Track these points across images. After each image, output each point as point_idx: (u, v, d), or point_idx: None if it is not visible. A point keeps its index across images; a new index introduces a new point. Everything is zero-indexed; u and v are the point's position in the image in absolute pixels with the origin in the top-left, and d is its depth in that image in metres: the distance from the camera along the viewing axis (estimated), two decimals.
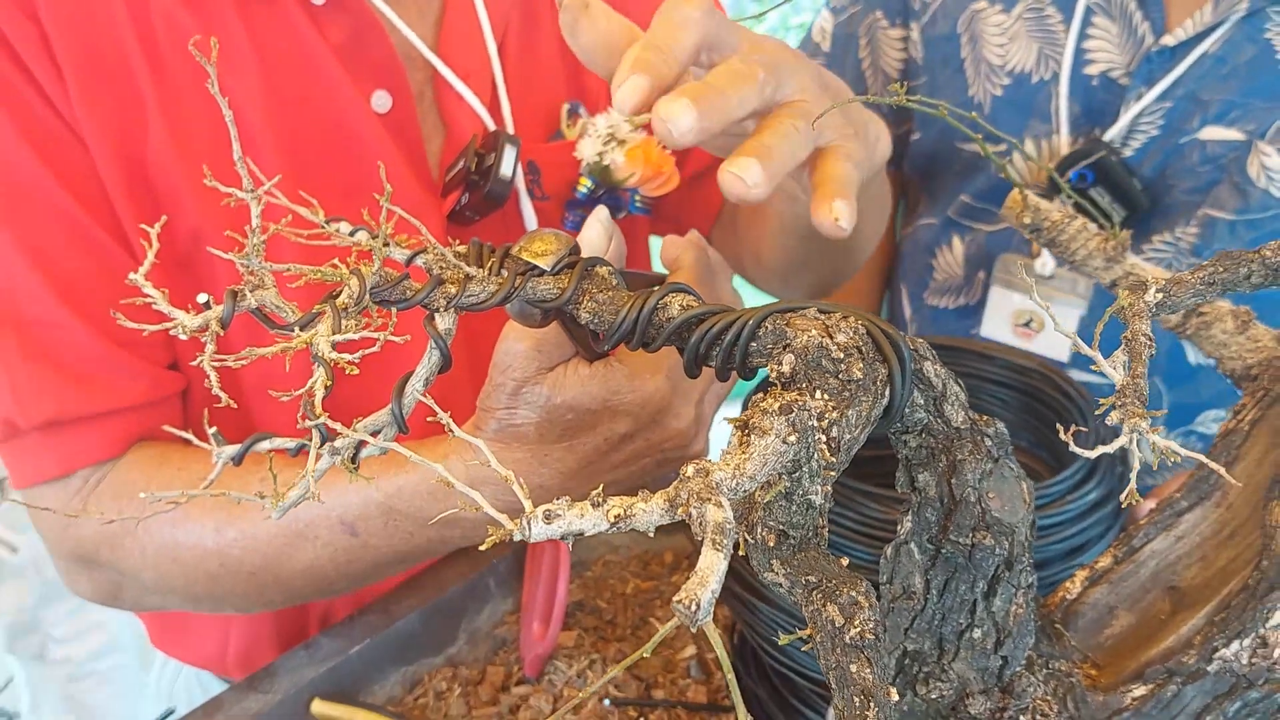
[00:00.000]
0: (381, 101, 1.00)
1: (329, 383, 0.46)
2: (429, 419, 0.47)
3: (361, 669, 0.98)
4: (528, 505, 0.41)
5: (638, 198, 1.11)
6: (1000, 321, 1.33)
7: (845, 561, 0.48)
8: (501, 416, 0.73)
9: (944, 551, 0.56)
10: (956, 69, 1.34)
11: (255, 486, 0.90)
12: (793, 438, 0.43)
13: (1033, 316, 1.29)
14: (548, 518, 0.40)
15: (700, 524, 0.38)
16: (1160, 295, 0.45)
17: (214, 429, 0.48)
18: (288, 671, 0.96)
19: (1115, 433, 0.98)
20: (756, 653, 0.93)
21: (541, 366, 0.71)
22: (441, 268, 0.56)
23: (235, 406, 0.47)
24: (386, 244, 0.56)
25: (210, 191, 0.90)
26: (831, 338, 0.51)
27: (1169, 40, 1.19)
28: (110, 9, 0.90)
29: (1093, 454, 0.40)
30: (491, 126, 1.05)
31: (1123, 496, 0.40)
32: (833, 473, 0.47)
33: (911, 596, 0.57)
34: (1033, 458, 1.09)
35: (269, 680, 0.95)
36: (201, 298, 0.49)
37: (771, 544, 0.47)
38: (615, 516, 0.40)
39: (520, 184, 1.05)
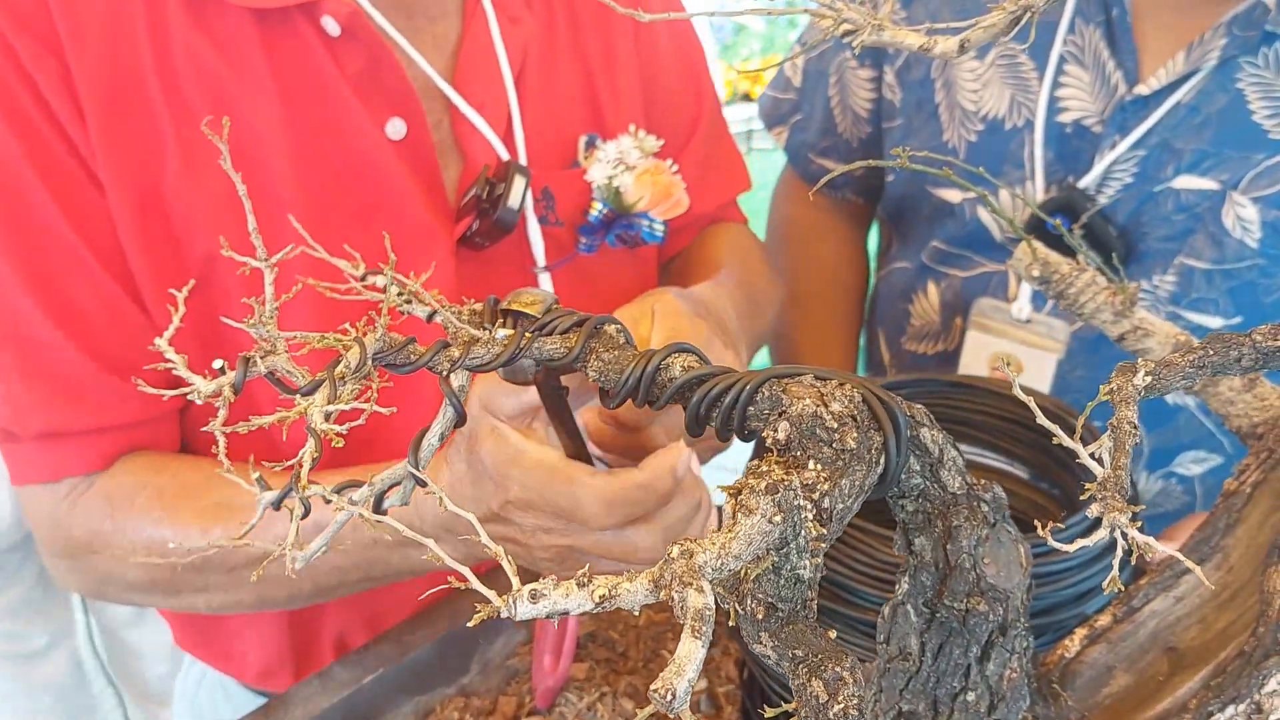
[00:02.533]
0: (396, 128, 0.99)
1: (317, 455, 0.46)
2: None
3: (375, 699, 0.98)
4: (515, 583, 0.41)
5: (652, 224, 1.11)
6: (978, 366, 1.30)
7: (833, 634, 0.48)
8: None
9: (939, 615, 0.56)
10: (931, 114, 1.31)
11: (245, 494, 0.89)
12: (778, 518, 0.43)
13: (1010, 360, 1.28)
14: (533, 597, 0.40)
15: (681, 609, 0.39)
16: (1149, 379, 0.44)
17: (258, 474, 0.49)
18: (301, 701, 0.96)
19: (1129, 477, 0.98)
20: (765, 691, 0.93)
21: (478, 418, 0.74)
22: (451, 327, 0.57)
23: (229, 466, 0.48)
24: (409, 301, 0.57)
25: (225, 219, 0.92)
26: (826, 406, 0.50)
27: (1142, 89, 1.17)
28: (134, 44, 0.89)
29: (1084, 544, 0.40)
30: (505, 156, 1.04)
31: (1104, 584, 0.40)
32: (823, 544, 0.47)
33: (907, 658, 0.57)
34: (1042, 494, 1.08)
35: (283, 710, 0.95)
36: (217, 364, 0.50)
37: (760, 616, 0.46)
38: (600, 597, 0.40)
39: (530, 211, 1.04)
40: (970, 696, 0.56)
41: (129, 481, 0.94)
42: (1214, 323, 1.18)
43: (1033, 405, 0.46)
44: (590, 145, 1.11)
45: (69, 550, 0.96)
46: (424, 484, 0.53)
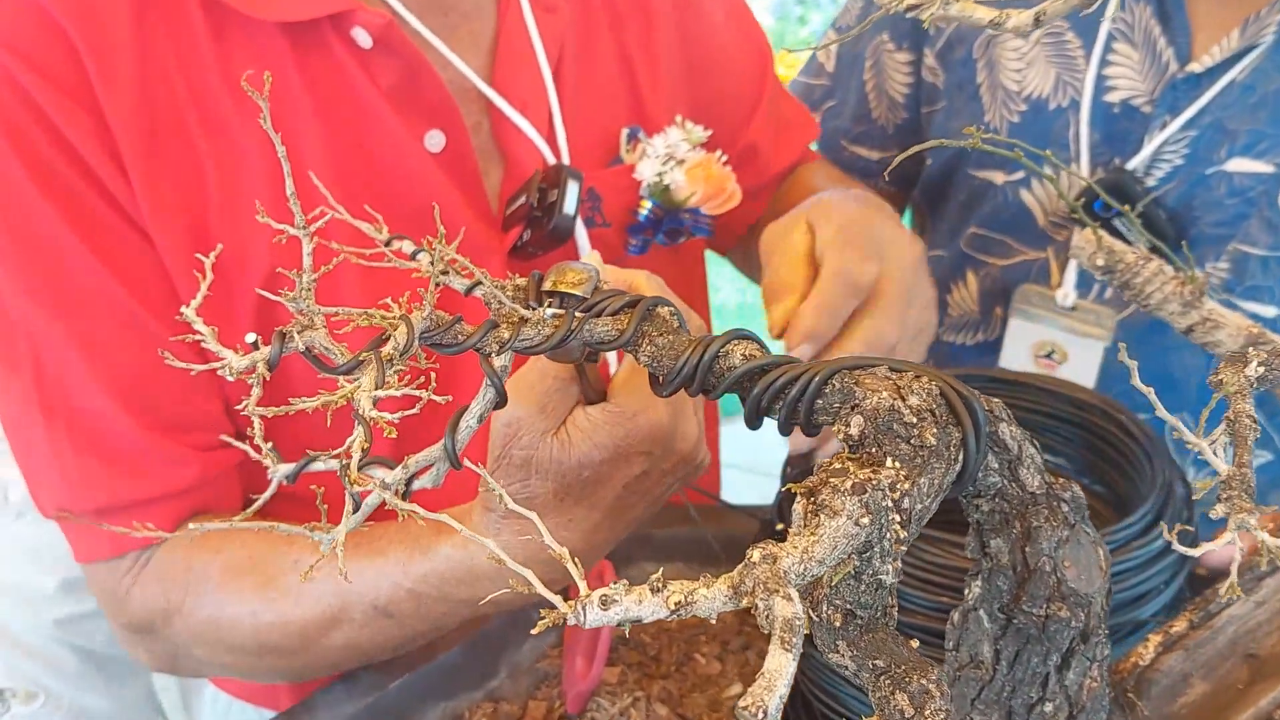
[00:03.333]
0: (435, 141, 0.96)
1: (367, 444, 0.43)
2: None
3: (401, 704, 0.94)
4: (583, 587, 0.38)
5: (699, 218, 1.08)
6: (1020, 355, 1.26)
7: (915, 644, 0.45)
8: (515, 491, 0.69)
9: (1015, 622, 0.52)
10: (972, 95, 1.28)
11: (292, 557, 0.88)
12: (865, 520, 0.40)
13: (1054, 348, 1.24)
14: (604, 603, 0.37)
15: (767, 618, 0.36)
16: (1262, 369, 0.41)
17: (270, 444, 0.46)
18: (326, 707, 0.93)
19: (1181, 474, 0.94)
20: (807, 698, 0.90)
21: (548, 429, 0.67)
22: (495, 304, 0.54)
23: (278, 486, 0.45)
24: (445, 271, 0.53)
25: (271, 246, 0.89)
26: (904, 400, 0.47)
27: (1195, 67, 1.13)
28: (167, 76, 0.87)
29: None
30: (549, 157, 1.01)
31: (1222, 590, 0.37)
32: (903, 547, 0.44)
33: (979, 666, 0.54)
34: (1093, 496, 1.05)
35: (308, 715, 0.92)
36: (250, 338, 0.48)
37: (838, 624, 0.43)
38: (676, 603, 0.37)
39: (578, 215, 1.01)
40: (1048, 707, 0.53)
41: (179, 558, 0.92)
42: (1269, 311, 1.15)
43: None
44: (633, 138, 1.07)
45: (135, 625, 0.94)
46: (458, 465, 0.50)
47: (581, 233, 1.01)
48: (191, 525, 0.89)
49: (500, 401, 0.53)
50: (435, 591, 0.82)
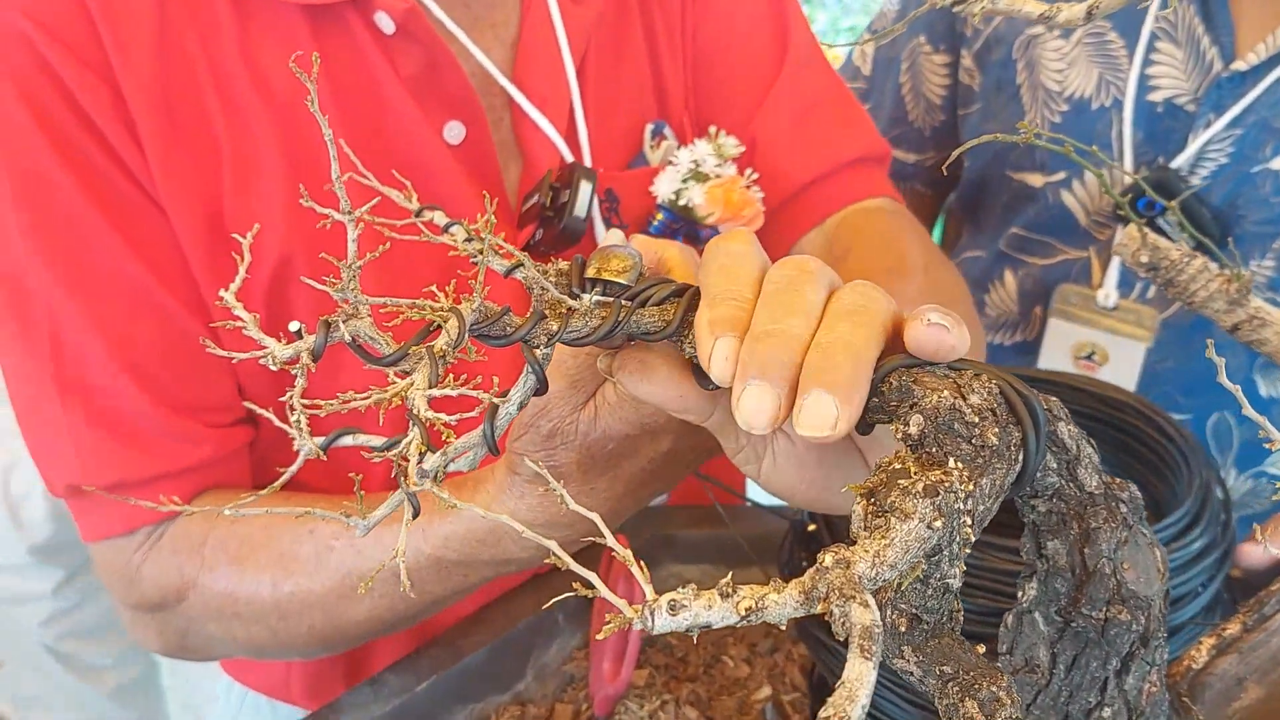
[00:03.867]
0: (455, 133, 0.95)
1: (424, 448, 0.42)
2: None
3: (427, 706, 0.93)
4: (649, 591, 0.37)
5: (715, 232, 1.05)
6: (1060, 355, 1.26)
7: (982, 649, 0.44)
8: (540, 460, 0.68)
9: (1074, 625, 0.52)
10: (1012, 95, 1.27)
11: (307, 527, 0.87)
12: (938, 523, 0.39)
13: (1094, 349, 1.23)
14: (673, 609, 0.36)
15: (844, 625, 0.34)
16: None
17: (298, 416, 0.45)
18: (353, 708, 0.92)
19: (1218, 476, 0.93)
20: (829, 683, 0.89)
21: (577, 404, 0.66)
22: (538, 289, 0.52)
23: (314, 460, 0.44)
24: (480, 252, 0.52)
25: (294, 222, 0.88)
26: (965, 399, 0.46)
27: (1240, 65, 1.13)
28: (186, 53, 0.86)
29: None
30: (567, 155, 0.99)
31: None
32: (969, 549, 0.43)
33: (1035, 670, 0.53)
34: None
35: (335, 717, 0.92)
36: (293, 325, 0.46)
37: (903, 629, 0.42)
38: (746, 609, 0.36)
39: (596, 214, 0.99)
40: (1106, 712, 0.52)
41: (196, 530, 0.91)
42: None
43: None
44: (657, 134, 1.05)
45: (146, 604, 0.93)
46: (496, 452, 0.49)
47: (601, 233, 1.00)
48: (218, 502, 0.89)
49: (541, 389, 0.52)
50: (456, 555, 0.81)
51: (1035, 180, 1.26)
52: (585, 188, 0.93)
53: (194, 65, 0.86)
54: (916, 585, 0.41)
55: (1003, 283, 1.33)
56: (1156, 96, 1.18)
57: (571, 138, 1.01)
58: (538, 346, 0.51)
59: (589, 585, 0.38)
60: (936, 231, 1.54)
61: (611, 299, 0.52)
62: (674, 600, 0.35)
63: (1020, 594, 0.53)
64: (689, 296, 0.54)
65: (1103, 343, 1.22)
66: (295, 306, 0.91)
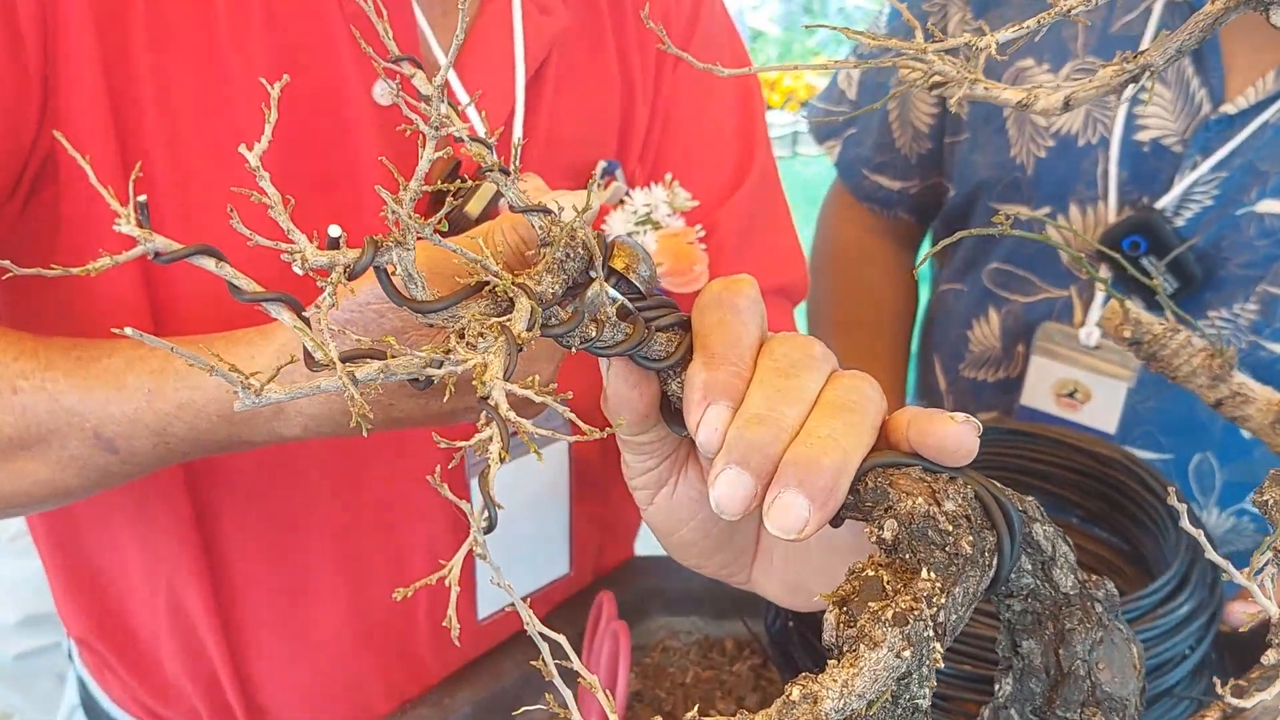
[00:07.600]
0: (383, 93, 0.89)
1: (505, 454, 0.37)
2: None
3: None
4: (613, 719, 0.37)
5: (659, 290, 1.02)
6: (1042, 393, 1.26)
7: None
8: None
9: None
10: (998, 128, 1.28)
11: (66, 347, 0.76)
12: (907, 652, 0.39)
13: (1076, 387, 1.23)
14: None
15: None
16: None
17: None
18: None
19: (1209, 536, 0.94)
20: (797, 639, 0.89)
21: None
22: (562, 255, 0.48)
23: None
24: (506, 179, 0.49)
25: (191, 159, 0.79)
26: (939, 505, 0.47)
27: (1229, 109, 1.14)
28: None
29: None
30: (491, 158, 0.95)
31: None
32: (940, 664, 0.44)
33: None
34: (1111, 550, 1.05)
35: None
36: (334, 230, 0.43)
37: None
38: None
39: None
40: None
41: None
42: None
43: None
44: (608, 173, 1.02)
45: None
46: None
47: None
48: None
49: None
50: (186, 430, 0.72)
51: (1020, 213, 1.26)
52: (487, 190, 0.87)
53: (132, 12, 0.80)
54: (886, 705, 0.42)
55: (986, 319, 1.33)
56: (1144, 136, 1.18)
57: (503, 140, 0.96)
58: (571, 349, 0.50)
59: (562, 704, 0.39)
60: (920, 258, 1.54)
61: (638, 317, 0.51)
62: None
63: (997, 687, 0.54)
64: (690, 341, 0.53)
65: (1085, 381, 1.22)
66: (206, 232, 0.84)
